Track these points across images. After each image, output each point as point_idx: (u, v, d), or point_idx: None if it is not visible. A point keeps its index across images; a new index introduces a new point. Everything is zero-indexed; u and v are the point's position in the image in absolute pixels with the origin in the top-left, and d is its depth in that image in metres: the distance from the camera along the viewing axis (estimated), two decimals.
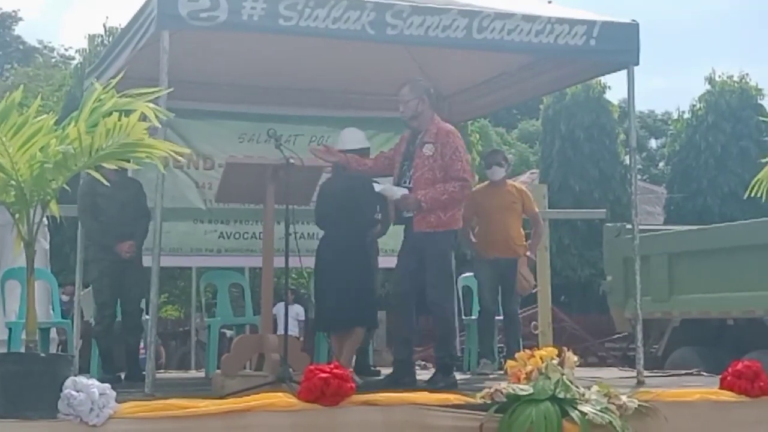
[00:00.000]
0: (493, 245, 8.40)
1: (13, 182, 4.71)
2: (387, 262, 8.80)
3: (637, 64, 7.03)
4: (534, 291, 9.03)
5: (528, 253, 8.44)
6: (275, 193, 6.27)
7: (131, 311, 7.88)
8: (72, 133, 4.67)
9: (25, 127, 4.60)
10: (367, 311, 7.40)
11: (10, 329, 7.63)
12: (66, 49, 40.10)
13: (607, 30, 6.86)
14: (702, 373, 8.56)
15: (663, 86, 63.01)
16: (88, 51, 19.80)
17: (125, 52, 6.87)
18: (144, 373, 6.45)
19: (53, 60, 37.98)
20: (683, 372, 8.64)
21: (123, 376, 7.73)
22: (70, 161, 4.72)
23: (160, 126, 5.29)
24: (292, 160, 6.20)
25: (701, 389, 5.92)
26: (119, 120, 4.71)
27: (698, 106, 23.34)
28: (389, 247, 8.87)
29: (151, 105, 4.79)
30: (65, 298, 11.00)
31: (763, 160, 6.88)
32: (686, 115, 24.11)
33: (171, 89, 5.63)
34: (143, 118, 4.82)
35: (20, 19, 43.42)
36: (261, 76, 8.27)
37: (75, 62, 24.00)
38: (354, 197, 7.30)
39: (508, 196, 8.51)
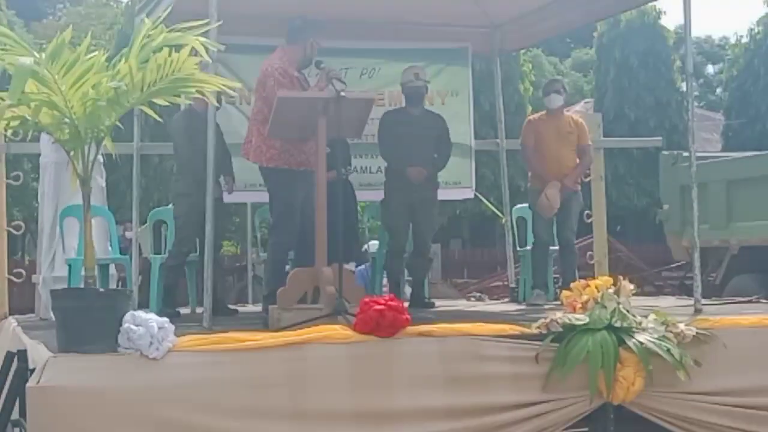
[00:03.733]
0: (547, 176, 8.33)
1: (66, 120, 4.74)
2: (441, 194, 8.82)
3: None
4: (589, 221, 8.95)
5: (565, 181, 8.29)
6: (327, 126, 6.25)
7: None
8: (123, 70, 4.68)
9: (77, 65, 4.61)
10: None
11: (69, 266, 7.75)
12: None
13: None
14: (761, 300, 8.49)
15: (720, 11, 61.72)
16: None
17: None
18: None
19: None
20: (742, 300, 8.57)
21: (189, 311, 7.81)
22: (122, 98, 4.74)
23: (210, 61, 5.28)
24: (342, 93, 6.17)
25: (760, 316, 5.86)
26: (170, 55, 4.70)
27: (756, 30, 22.87)
28: (443, 179, 8.85)
29: (201, 39, 4.78)
30: (129, 234, 11.09)
31: None
32: (744, 40, 23.65)
33: (220, 22, 5.62)
34: (194, 53, 4.81)
35: None
36: (309, 9, 8.20)
37: (126, 0, 24.04)
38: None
39: (565, 126, 8.42)
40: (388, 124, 8.03)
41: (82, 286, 5.10)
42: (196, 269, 8.03)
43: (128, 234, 11.87)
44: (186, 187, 7.68)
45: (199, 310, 7.34)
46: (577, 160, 8.45)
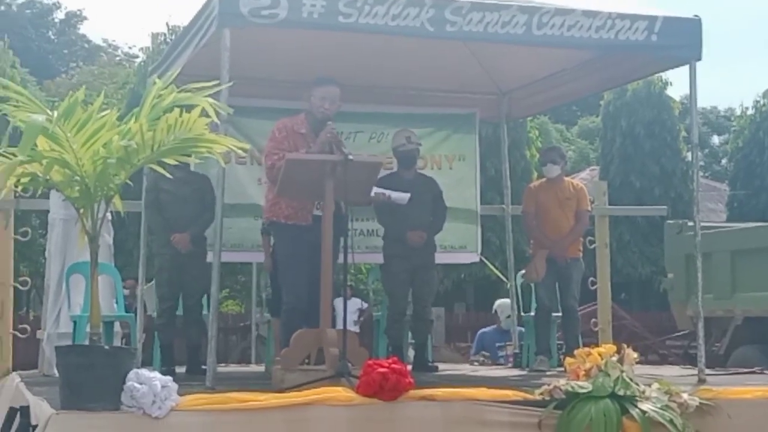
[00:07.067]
0: (548, 243, 8.37)
1: (77, 178, 4.79)
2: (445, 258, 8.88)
3: (700, 59, 6.94)
4: (594, 288, 8.98)
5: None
6: (334, 189, 6.30)
7: (192, 306, 7.99)
8: (134, 129, 4.73)
9: (89, 123, 4.66)
10: None
11: (74, 322, 7.76)
12: (130, 48, 40.78)
13: (669, 25, 6.79)
14: (765, 371, 8.45)
15: (726, 82, 62.15)
16: (151, 49, 20.10)
17: (187, 50, 6.95)
18: (204, 367, 6.54)
19: (117, 58, 38.60)
20: (746, 370, 8.54)
21: (184, 369, 7.83)
22: (132, 156, 4.79)
23: (219, 123, 5.35)
24: (351, 157, 6.23)
25: (764, 387, 5.84)
26: (180, 115, 4.77)
27: (762, 101, 23.03)
28: (448, 243, 8.91)
29: (211, 100, 4.84)
30: (126, 292, 11.17)
31: None
32: (750, 111, 23.79)
33: (231, 83, 5.70)
34: (204, 113, 4.87)
35: (85, 18, 44.12)
36: (321, 73, 8.32)
37: (138, 60, 24.37)
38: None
39: (565, 193, 8.46)
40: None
41: (86, 343, 5.11)
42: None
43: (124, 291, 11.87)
44: (157, 247, 8.08)
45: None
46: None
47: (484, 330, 11.57)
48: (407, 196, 7.79)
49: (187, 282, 7.90)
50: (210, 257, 7.36)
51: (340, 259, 6.29)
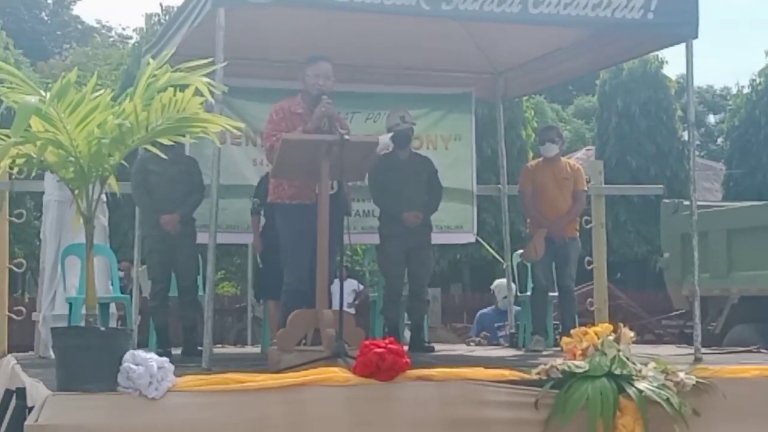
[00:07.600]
0: (545, 222, 8.36)
1: (71, 158, 4.77)
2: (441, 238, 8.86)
3: (696, 37, 6.92)
4: (590, 268, 8.98)
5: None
6: (330, 169, 6.28)
7: (186, 287, 7.98)
8: (128, 109, 4.71)
9: (83, 104, 4.64)
10: None
11: (70, 304, 7.74)
12: (123, 29, 40.73)
13: (665, 3, 6.75)
14: (761, 350, 8.47)
15: (722, 61, 62.07)
16: (145, 30, 20.04)
17: (182, 29, 6.92)
18: (200, 348, 6.54)
19: (111, 39, 38.47)
20: (742, 349, 8.55)
21: (180, 351, 7.82)
22: (126, 136, 4.77)
23: (214, 101, 5.32)
24: (346, 137, 6.21)
25: (760, 366, 5.85)
26: (174, 95, 4.74)
27: (758, 80, 23.00)
28: (444, 223, 8.90)
29: (205, 79, 4.81)
30: (121, 273, 11.16)
31: None
32: (746, 90, 23.76)
33: (225, 63, 5.67)
34: (198, 93, 4.84)
35: None
36: (317, 53, 8.28)
37: (132, 41, 24.30)
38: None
39: (562, 173, 8.45)
40: (377, 170, 7.93)
41: (82, 324, 5.10)
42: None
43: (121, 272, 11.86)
44: (147, 228, 8.05)
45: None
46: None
47: (483, 311, 11.59)
48: (386, 138, 7.58)
49: (178, 263, 7.89)
50: (203, 238, 7.34)
51: (345, 240, 6.25)
